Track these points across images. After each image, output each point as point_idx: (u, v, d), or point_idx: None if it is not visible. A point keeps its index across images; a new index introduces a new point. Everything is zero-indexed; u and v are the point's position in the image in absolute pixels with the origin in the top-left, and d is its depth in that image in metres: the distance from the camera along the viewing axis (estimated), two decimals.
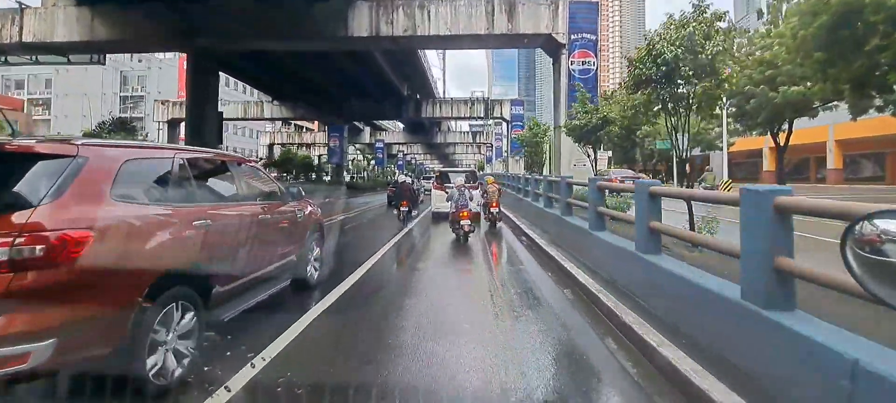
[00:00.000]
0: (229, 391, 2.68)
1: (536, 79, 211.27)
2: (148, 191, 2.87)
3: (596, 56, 16.30)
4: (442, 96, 40.11)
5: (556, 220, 7.66)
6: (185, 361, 2.81)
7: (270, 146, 58.09)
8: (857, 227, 0.92)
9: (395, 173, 49.78)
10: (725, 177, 27.71)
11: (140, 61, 66.38)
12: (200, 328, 2.96)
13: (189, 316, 2.84)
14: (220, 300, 3.27)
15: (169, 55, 48.45)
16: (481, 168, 67.28)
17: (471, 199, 8.73)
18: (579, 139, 13.70)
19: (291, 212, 4.69)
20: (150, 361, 2.54)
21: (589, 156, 15.14)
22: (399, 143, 63.55)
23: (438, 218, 12.02)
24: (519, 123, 36.14)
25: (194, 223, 3.05)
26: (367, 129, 57.36)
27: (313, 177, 39.41)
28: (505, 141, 44.88)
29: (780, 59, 26.87)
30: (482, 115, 36.00)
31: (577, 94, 14.15)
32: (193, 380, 2.79)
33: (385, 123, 59.32)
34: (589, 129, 13.02)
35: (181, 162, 3.22)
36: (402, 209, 11.32)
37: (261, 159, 49.45)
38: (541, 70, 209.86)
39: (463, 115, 36.42)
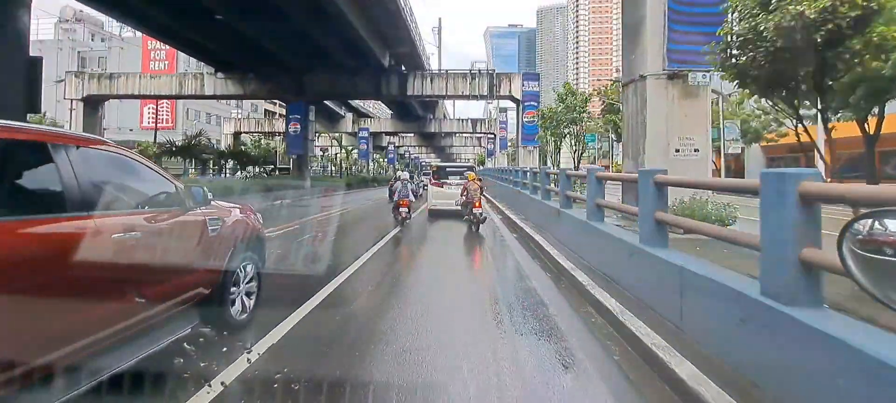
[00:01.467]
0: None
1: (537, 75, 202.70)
2: None
3: None
4: (436, 70, 31.73)
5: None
6: None
7: (236, 134, 50.22)
8: (860, 225, 0.87)
9: (388, 168, 52.71)
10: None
11: (102, 40, 61.48)
12: None
13: None
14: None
15: (138, 35, 40.99)
16: (481, 162, 59.20)
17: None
18: (767, 85, 5.18)
19: (197, 225, 3.19)
20: None
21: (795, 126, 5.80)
22: (387, 132, 55.41)
23: (436, 216, 10.97)
24: (533, 103, 27.97)
25: None
26: (350, 115, 49.31)
27: (259, 170, 31.27)
28: (508, 127, 36.67)
29: None
30: (485, 93, 27.71)
31: None
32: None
33: (369, 108, 51.22)
34: (839, 32, 4.34)
35: None
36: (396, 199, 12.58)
37: (218, 146, 41.54)
38: (541, 66, 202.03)
39: (462, 93, 28.09)
